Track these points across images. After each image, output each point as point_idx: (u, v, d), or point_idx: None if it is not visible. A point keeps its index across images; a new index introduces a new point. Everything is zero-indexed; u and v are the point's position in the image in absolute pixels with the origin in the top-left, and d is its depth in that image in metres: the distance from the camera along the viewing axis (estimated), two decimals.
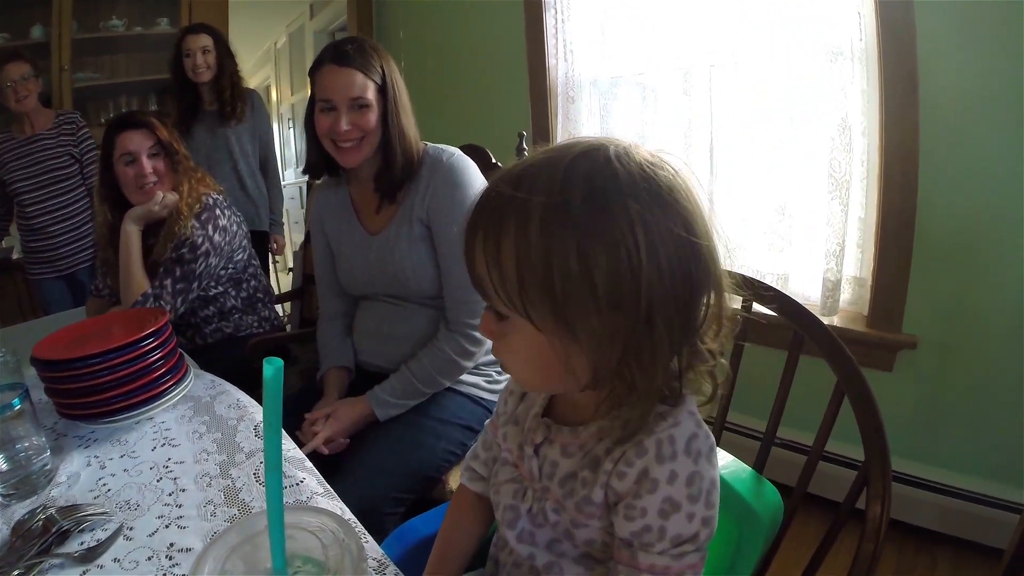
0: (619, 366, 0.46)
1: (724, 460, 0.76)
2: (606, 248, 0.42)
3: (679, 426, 0.48)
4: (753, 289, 0.79)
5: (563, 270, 0.42)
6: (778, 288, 0.78)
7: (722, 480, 0.69)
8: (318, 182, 1.33)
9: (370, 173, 1.19)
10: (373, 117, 1.12)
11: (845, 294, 1.59)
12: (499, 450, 0.62)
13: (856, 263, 1.57)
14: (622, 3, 1.86)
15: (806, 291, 1.67)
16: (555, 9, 2.04)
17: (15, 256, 2.73)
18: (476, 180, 1.16)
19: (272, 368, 0.32)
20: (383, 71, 1.13)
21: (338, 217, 1.27)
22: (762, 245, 1.70)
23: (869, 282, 1.53)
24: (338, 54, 1.10)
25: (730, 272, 0.49)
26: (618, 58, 1.92)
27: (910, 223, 1.41)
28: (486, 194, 0.48)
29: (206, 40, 2.18)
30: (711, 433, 0.50)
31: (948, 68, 1.30)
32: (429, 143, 1.21)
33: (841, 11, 1.41)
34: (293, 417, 1.15)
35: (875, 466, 0.63)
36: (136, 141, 1.37)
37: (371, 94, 1.11)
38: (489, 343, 1.10)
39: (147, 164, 1.37)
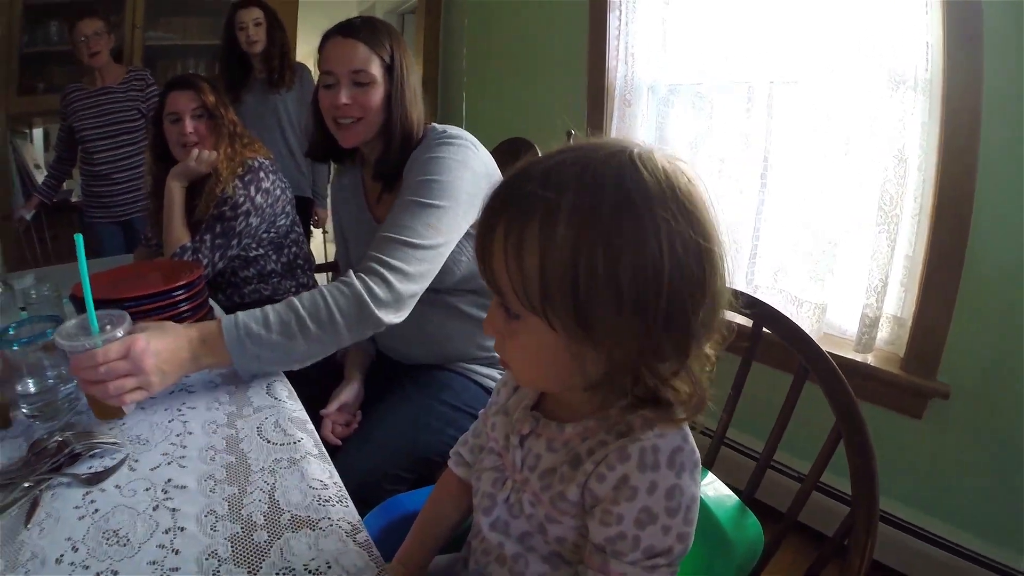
0: (631, 367, 0.46)
1: (715, 487, 0.75)
2: (633, 251, 0.42)
3: (665, 437, 0.47)
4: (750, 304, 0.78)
5: (589, 271, 0.42)
6: (793, 319, 0.76)
7: (704, 505, 0.68)
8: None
9: (373, 158, 1.15)
10: (376, 96, 1.06)
11: (883, 332, 1.53)
12: (488, 438, 0.63)
13: (898, 302, 1.50)
14: (686, 11, 1.83)
15: (843, 324, 1.62)
16: (620, 11, 2.02)
17: (74, 199, 2.88)
18: (461, 152, 1.05)
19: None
20: (392, 50, 1.08)
21: (349, 202, 1.25)
22: (803, 272, 1.66)
23: (909, 323, 1.46)
24: (344, 26, 1.07)
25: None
26: (678, 66, 1.89)
27: (958, 268, 1.34)
28: (509, 188, 0.47)
29: (257, 13, 2.26)
30: (697, 449, 0.49)
31: (1013, 111, 1.23)
32: (436, 124, 1.14)
33: (909, 39, 1.35)
34: (315, 386, 1.14)
35: (861, 518, 0.61)
36: (182, 102, 1.45)
37: (375, 70, 1.06)
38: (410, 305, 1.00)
39: (189, 124, 1.45)
